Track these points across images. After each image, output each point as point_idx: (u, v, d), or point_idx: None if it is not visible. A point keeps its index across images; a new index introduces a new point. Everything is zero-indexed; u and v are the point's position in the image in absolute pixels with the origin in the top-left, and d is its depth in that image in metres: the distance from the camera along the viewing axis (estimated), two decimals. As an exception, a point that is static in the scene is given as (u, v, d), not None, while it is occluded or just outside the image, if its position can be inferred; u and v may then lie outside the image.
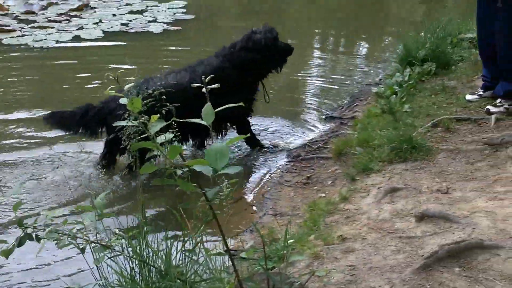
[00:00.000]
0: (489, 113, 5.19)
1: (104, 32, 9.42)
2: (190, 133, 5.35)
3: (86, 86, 7.22)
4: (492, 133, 4.77)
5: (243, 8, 12.04)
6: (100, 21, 9.96)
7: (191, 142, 5.53)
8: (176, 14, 10.43)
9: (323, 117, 6.43)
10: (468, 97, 5.67)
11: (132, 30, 9.53)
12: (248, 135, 4.77)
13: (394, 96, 5.99)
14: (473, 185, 4.06)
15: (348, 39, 9.79)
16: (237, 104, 2.50)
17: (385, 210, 3.86)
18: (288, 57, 5.55)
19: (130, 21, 9.98)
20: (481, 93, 5.60)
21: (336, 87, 7.38)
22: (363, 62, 8.53)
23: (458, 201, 3.82)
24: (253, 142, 5.66)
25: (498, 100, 5.27)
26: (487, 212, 3.56)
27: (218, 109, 2.36)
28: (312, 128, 6.13)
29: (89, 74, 7.60)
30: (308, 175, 5.00)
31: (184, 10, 10.68)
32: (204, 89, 2.47)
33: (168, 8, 10.75)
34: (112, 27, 9.65)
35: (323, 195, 4.50)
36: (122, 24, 9.82)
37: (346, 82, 7.43)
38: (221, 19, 10.93)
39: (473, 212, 3.59)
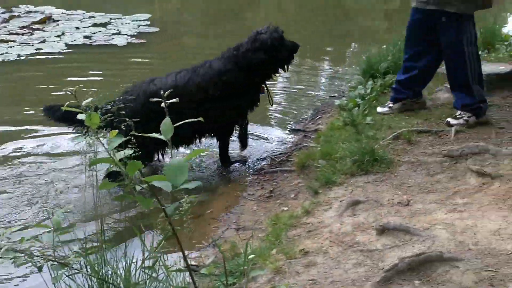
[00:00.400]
0: (449, 125, 5.28)
1: (67, 45, 9.34)
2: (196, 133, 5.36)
3: (48, 99, 7.13)
4: (452, 145, 4.84)
5: (207, 20, 12.04)
6: (63, 34, 9.88)
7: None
8: (140, 27, 10.40)
9: (287, 129, 6.44)
10: (379, 109, 5.84)
11: (96, 43, 9.47)
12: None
13: (357, 108, 6.04)
14: (433, 197, 4.10)
15: (313, 52, 9.85)
16: (197, 119, 2.48)
17: (346, 223, 3.87)
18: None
19: (94, 33, 9.92)
20: (391, 105, 5.76)
21: (300, 99, 7.41)
22: (328, 74, 8.59)
23: (418, 213, 3.86)
24: (223, 158, 5.60)
25: (458, 113, 5.37)
26: (446, 224, 3.60)
27: (176, 124, 2.33)
28: (276, 141, 6.13)
29: (51, 87, 7.51)
30: (271, 189, 4.99)
31: (148, 23, 10.65)
32: (163, 104, 2.44)
33: (132, 21, 10.71)
34: (75, 40, 9.58)
35: (286, 208, 4.50)
36: (85, 37, 9.75)
37: (310, 95, 7.46)
38: (186, 31, 10.92)
39: (433, 224, 3.62)
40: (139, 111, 4.81)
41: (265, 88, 5.44)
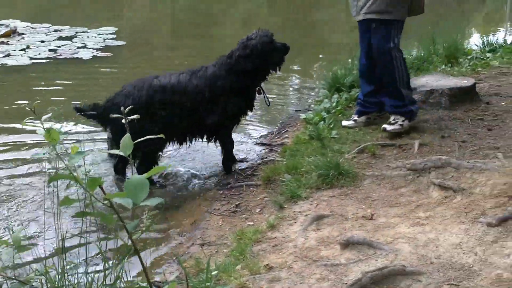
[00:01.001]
0: (385, 131, 5.47)
1: (31, 58, 9.25)
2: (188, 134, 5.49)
3: (12, 113, 7.05)
4: (415, 159, 4.88)
5: (174, 34, 12.04)
6: (28, 47, 9.78)
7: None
8: (106, 40, 10.35)
9: (254, 143, 6.44)
10: (344, 123, 5.94)
11: (61, 57, 9.39)
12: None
13: (322, 122, 6.08)
14: (397, 210, 4.13)
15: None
16: (158, 136, 2.47)
17: (311, 238, 3.88)
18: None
19: (59, 47, 9.84)
20: (356, 118, 5.84)
21: (266, 113, 7.43)
22: (295, 87, 8.62)
23: (382, 227, 3.88)
24: (226, 164, 5.67)
25: (392, 118, 5.53)
26: (409, 238, 3.63)
27: (136, 141, 2.32)
28: (243, 155, 6.13)
29: (16, 101, 7.41)
30: (237, 203, 4.98)
31: (115, 36, 10.60)
32: (123, 120, 2.42)
33: (98, 34, 10.65)
34: (40, 53, 9.49)
35: (251, 223, 4.49)
36: (50, 50, 9.66)
37: (277, 108, 7.48)
38: (152, 45, 10.89)
39: (396, 238, 3.65)
40: (144, 102, 5.12)
41: (261, 90, 5.54)
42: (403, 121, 5.50)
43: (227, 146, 5.64)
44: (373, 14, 5.36)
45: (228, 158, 5.68)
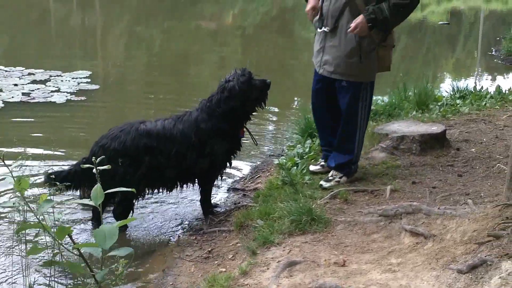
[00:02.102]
0: (322, 188, 5.50)
1: (4, 102, 9.19)
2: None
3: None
4: (387, 205, 4.92)
5: (149, 77, 12.08)
6: (1, 90, 9.72)
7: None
8: (81, 84, 10.34)
9: (227, 188, 6.44)
10: (312, 168, 5.97)
11: (34, 100, 9.35)
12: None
13: (295, 167, 6.11)
14: (369, 257, 4.14)
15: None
16: (129, 189, 2.47)
17: (283, 285, 3.87)
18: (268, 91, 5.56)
19: (32, 91, 9.80)
20: (323, 163, 5.87)
21: (240, 158, 7.44)
22: (269, 131, 8.66)
23: (354, 273, 3.88)
24: (206, 204, 5.69)
25: (330, 174, 5.61)
26: (381, 285, 3.64)
27: (107, 191, 2.32)
28: (216, 200, 6.11)
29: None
30: (210, 249, 4.96)
31: (89, 80, 10.60)
32: (94, 170, 2.42)
33: (72, 78, 10.64)
34: (13, 97, 9.43)
35: (223, 269, 4.47)
36: (23, 94, 9.62)
37: (250, 153, 7.49)
38: (127, 89, 10.91)
39: (368, 285, 3.65)
40: (129, 146, 5.15)
41: (245, 131, 5.56)
42: (340, 177, 5.57)
43: (210, 188, 5.68)
44: (339, 75, 5.37)
45: (208, 199, 5.70)
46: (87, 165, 2.46)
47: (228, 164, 5.63)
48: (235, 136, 5.51)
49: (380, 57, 5.33)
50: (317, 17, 5.42)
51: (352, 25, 5.13)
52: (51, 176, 5.13)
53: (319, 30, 5.41)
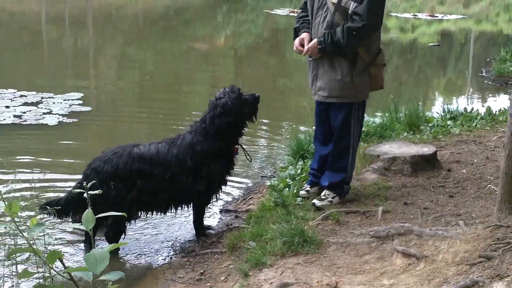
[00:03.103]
0: (315, 206, 5.51)
1: (-4, 124, 9.18)
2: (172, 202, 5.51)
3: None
4: (379, 226, 4.93)
5: (141, 100, 12.10)
6: (-8, 112, 9.72)
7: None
8: (72, 106, 10.33)
9: (219, 210, 6.43)
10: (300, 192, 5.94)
11: (26, 123, 9.34)
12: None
13: (287, 189, 6.12)
14: (361, 278, 4.15)
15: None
16: (120, 213, 2.48)
17: (275, 307, 3.86)
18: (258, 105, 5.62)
19: (24, 113, 9.79)
20: (308, 188, 5.88)
21: (232, 179, 7.44)
22: (261, 153, 8.66)
23: (346, 295, 3.89)
24: (199, 225, 5.69)
25: (323, 193, 5.63)
26: (373, 307, 3.64)
27: (98, 215, 2.32)
28: (208, 221, 6.10)
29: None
30: (202, 271, 4.95)
31: (81, 102, 10.60)
32: (85, 195, 2.42)
33: (64, 100, 10.64)
34: (4, 119, 9.42)
35: (215, 292, 4.46)
36: (15, 116, 9.61)
37: (242, 175, 7.49)
38: (119, 111, 10.91)
39: (360, 306, 3.65)
40: (122, 169, 5.15)
41: (238, 148, 5.59)
42: (333, 197, 5.60)
43: (204, 209, 5.71)
44: (334, 98, 5.42)
45: (201, 220, 5.71)
46: (78, 190, 2.47)
47: (223, 184, 5.65)
48: (230, 154, 5.54)
49: (372, 76, 5.39)
50: None
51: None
52: (47, 206, 5.16)
53: (309, 58, 5.47)
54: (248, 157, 5.72)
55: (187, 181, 5.31)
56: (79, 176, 5.50)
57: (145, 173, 5.22)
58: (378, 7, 5.19)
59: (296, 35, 5.53)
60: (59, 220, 5.46)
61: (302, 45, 5.42)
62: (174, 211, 5.62)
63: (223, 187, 5.71)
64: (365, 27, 5.12)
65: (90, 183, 2.46)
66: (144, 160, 5.24)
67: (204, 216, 5.79)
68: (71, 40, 19.95)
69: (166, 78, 14.45)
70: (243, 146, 5.66)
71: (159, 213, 5.61)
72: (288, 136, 8.69)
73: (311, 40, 5.39)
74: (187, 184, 5.32)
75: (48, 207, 5.10)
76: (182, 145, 5.35)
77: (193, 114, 10.56)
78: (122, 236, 5.37)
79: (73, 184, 6.77)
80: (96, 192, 2.41)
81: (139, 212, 5.43)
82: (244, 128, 5.61)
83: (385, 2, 5.29)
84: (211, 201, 5.74)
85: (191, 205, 5.65)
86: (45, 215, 5.33)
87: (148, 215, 5.62)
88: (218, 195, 5.76)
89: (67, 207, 5.25)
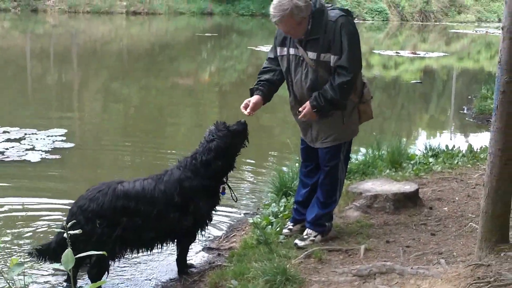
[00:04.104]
0: (297, 247, 5.50)
1: (-23, 161, 9.12)
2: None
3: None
4: (361, 264, 4.93)
5: (125, 137, 12.08)
6: (-26, 149, 9.67)
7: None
8: (56, 142, 10.31)
9: (201, 248, 6.40)
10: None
11: (8, 159, 9.29)
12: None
13: (270, 226, 6.12)
14: (343, 318, 4.13)
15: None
16: (100, 252, 2.48)
17: None
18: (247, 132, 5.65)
19: (7, 149, 9.74)
20: (291, 227, 5.89)
21: (215, 216, 7.43)
22: (245, 190, 8.64)
23: (328, 335, 3.87)
24: (182, 263, 5.67)
25: (305, 233, 5.65)
26: None
27: (78, 255, 2.32)
28: (190, 260, 6.07)
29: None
30: (184, 310, 4.92)
31: (64, 138, 10.57)
32: (65, 234, 2.42)
33: (47, 136, 10.61)
34: (-14, 155, 9.38)
35: (197, 332, 4.43)
36: (-3, 152, 9.57)
37: (225, 212, 7.47)
38: (102, 147, 10.88)
39: None
40: (107, 207, 5.11)
41: (225, 188, 5.58)
42: (315, 236, 5.60)
43: (188, 246, 5.69)
44: (329, 142, 5.44)
45: (185, 258, 5.69)
46: (59, 230, 2.46)
47: (209, 221, 5.64)
48: (217, 192, 5.55)
49: (362, 112, 5.48)
50: (293, 103, 5.55)
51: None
52: (37, 252, 5.15)
53: (298, 112, 5.44)
54: (234, 197, 5.70)
55: (174, 217, 5.29)
56: (59, 213, 5.49)
57: (130, 211, 5.19)
58: (357, 53, 5.21)
59: (252, 95, 5.53)
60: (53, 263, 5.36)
61: (245, 107, 5.44)
62: (160, 248, 5.58)
63: (208, 224, 5.69)
64: (352, 78, 5.17)
65: (70, 223, 2.46)
66: (129, 197, 5.21)
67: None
68: (56, 76, 19.97)
69: (151, 113, 14.47)
70: (230, 186, 5.65)
71: (144, 251, 5.55)
72: (272, 173, 8.70)
73: (262, 103, 5.48)
74: (174, 221, 5.30)
75: (40, 252, 5.10)
76: (169, 181, 5.34)
77: (177, 148, 10.60)
78: (105, 274, 5.32)
79: (54, 221, 6.76)
80: (77, 232, 2.41)
81: (124, 250, 5.38)
82: (235, 161, 5.60)
83: (360, 45, 5.32)
84: (196, 238, 5.71)
85: (176, 242, 5.62)
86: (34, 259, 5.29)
87: (133, 253, 5.56)
88: (204, 232, 5.73)
89: (59, 249, 5.19)
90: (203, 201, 5.40)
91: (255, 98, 5.48)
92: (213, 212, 5.64)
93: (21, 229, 6.49)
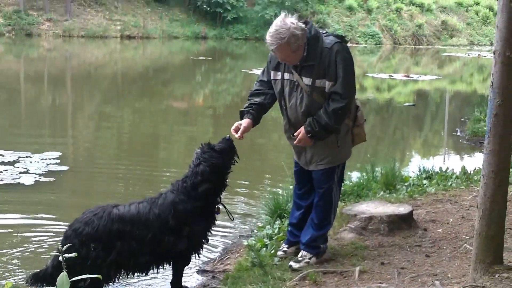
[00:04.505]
0: (292, 269, 5.48)
1: (-29, 184, 9.10)
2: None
3: None
4: (356, 286, 4.93)
5: (119, 158, 12.08)
6: (-32, 172, 9.65)
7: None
8: (50, 165, 10.30)
9: (196, 270, 6.38)
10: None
11: (2, 182, 9.27)
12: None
13: (265, 249, 6.11)
14: None
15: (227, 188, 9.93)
16: (95, 276, 2.48)
17: None
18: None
19: (1, 172, 9.73)
20: (285, 249, 5.89)
21: (210, 238, 7.41)
22: (239, 212, 8.63)
23: None
24: (176, 285, 5.64)
25: (300, 255, 5.65)
26: None
27: (73, 279, 2.32)
28: (185, 283, 6.05)
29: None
30: (178, 334, 4.89)
31: (58, 161, 10.57)
32: (60, 258, 2.42)
33: (42, 159, 10.61)
34: (-20, 178, 9.36)
35: None
36: (-9, 175, 9.55)
37: (220, 234, 7.46)
38: (96, 171, 10.87)
39: None
40: (102, 231, 5.12)
41: (220, 208, 5.57)
42: (310, 258, 5.59)
43: (183, 268, 5.65)
44: (323, 165, 5.47)
45: (180, 280, 5.65)
46: (55, 253, 2.47)
47: (205, 243, 5.63)
48: (212, 213, 5.54)
49: (356, 134, 5.51)
50: (287, 126, 5.57)
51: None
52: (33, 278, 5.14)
53: (293, 136, 5.47)
54: (230, 216, 5.71)
55: (169, 240, 5.29)
56: (54, 236, 5.46)
57: (125, 234, 5.19)
58: (352, 79, 5.26)
59: (242, 117, 5.56)
60: None
61: (236, 130, 5.46)
62: (155, 271, 5.56)
63: (205, 245, 5.67)
64: (347, 104, 5.21)
65: (65, 246, 2.46)
66: (124, 221, 5.21)
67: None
68: (50, 99, 20.00)
69: (145, 136, 14.50)
70: (225, 206, 5.65)
71: (140, 274, 5.53)
72: (266, 195, 8.70)
73: (252, 126, 5.49)
74: (169, 244, 5.29)
75: (36, 278, 5.09)
76: (164, 204, 5.35)
77: (171, 170, 10.60)
78: None
79: (48, 244, 6.74)
80: (72, 255, 2.41)
81: (119, 273, 5.36)
82: (227, 178, 5.58)
83: (354, 71, 5.35)
84: (191, 261, 5.69)
85: (172, 264, 5.60)
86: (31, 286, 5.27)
87: (128, 276, 5.53)
88: (199, 254, 5.71)
89: (56, 273, 5.16)
90: (197, 223, 5.40)
91: (246, 122, 5.49)
92: (209, 233, 5.62)
93: (14, 252, 6.46)
